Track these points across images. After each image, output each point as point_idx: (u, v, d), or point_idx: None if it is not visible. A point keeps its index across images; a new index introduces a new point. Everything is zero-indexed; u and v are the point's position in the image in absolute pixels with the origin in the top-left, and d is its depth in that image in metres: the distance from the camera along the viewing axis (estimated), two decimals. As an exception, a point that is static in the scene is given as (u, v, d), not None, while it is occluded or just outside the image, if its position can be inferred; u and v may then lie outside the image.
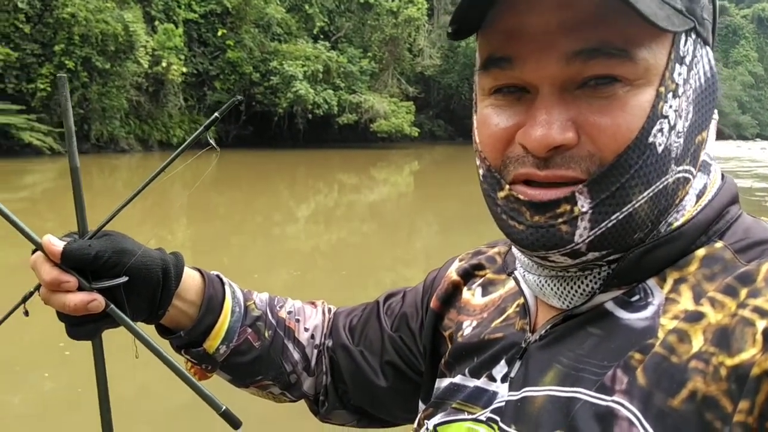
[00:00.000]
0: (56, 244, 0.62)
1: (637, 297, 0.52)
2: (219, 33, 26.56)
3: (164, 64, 22.84)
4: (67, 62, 20.30)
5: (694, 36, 0.51)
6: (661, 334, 0.49)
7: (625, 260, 0.52)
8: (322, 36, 31.16)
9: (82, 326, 0.64)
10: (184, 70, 24.16)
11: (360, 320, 0.85)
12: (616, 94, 0.48)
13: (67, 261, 0.62)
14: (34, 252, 0.63)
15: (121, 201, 0.65)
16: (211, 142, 0.67)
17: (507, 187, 0.52)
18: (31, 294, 0.65)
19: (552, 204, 0.50)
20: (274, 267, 7.42)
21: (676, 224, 0.53)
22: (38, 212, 11.84)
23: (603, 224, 0.49)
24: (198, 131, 0.66)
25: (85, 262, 0.62)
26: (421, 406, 0.71)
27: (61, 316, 0.65)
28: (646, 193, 0.49)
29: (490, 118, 0.53)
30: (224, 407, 0.62)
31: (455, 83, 37.64)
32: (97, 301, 0.62)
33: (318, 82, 28.19)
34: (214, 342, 0.75)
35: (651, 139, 0.48)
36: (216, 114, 0.65)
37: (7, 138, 19.17)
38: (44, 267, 0.62)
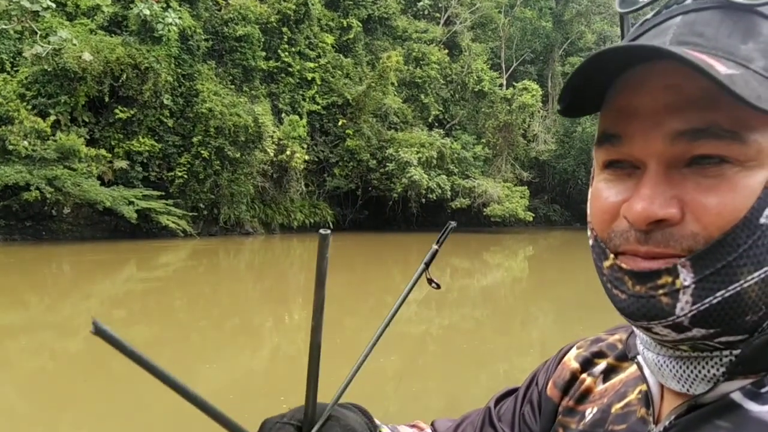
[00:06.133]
0: None
1: (767, 388, 0.51)
2: (339, 123, 28.11)
3: (288, 153, 24.39)
4: (203, 152, 22.26)
5: None
6: None
7: (749, 347, 0.50)
8: (437, 124, 32.06)
9: None
10: (306, 157, 25.59)
11: None
12: (725, 175, 0.48)
13: None
14: None
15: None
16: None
17: (611, 256, 0.53)
18: None
19: (653, 274, 0.50)
20: (385, 351, 7.38)
21: None
22: (168, 290, 12.69)
23: (707, 300, 0.48)
24: (420, 269, 0.63)
25: None
26: None
27: None
28: (756, 274, 0.48)
29: (601, 192, 0.55)
30: None
31: (571, 168, 37.02)
32: None
33: (432, 167, 28.79)
34: None
35: (763, 221, 0.47)
36: (435, 246, 0.64)
37: (148, 221, 21.06)
38: None
